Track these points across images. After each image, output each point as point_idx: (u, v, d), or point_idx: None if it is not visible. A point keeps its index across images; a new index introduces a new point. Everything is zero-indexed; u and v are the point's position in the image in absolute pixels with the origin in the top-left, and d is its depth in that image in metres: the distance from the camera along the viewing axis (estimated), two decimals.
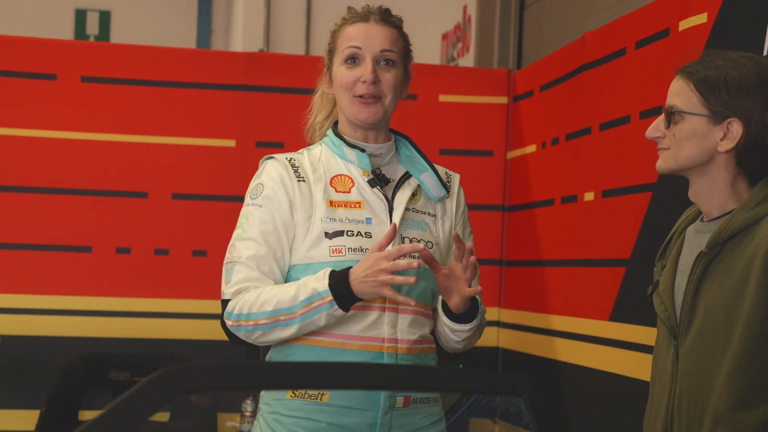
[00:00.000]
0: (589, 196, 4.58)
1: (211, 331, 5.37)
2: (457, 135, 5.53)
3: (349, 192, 2.74)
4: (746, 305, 2.28)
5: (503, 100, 5.54)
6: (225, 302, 2.71)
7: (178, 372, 1.62)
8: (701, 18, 3.78)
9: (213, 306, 5.37)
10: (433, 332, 2.83)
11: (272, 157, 2.79)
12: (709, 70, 2.41)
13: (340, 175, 2.76)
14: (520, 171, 5.36)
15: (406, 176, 2.79)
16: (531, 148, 5.24)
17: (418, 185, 2.79)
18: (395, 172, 2.80)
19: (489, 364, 5.49)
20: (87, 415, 5.19)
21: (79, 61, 5.32)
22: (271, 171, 2.75)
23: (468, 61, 7.26)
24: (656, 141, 2.50)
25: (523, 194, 5.32)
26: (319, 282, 2.61)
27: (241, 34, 8.01)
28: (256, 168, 5.46)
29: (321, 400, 2.65)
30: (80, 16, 8.93)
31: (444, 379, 1.90)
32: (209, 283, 5.36)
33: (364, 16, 2.77)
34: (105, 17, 8.96)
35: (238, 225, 2.76)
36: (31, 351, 5.14)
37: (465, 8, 7.43)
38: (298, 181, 2.72)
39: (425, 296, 2.76)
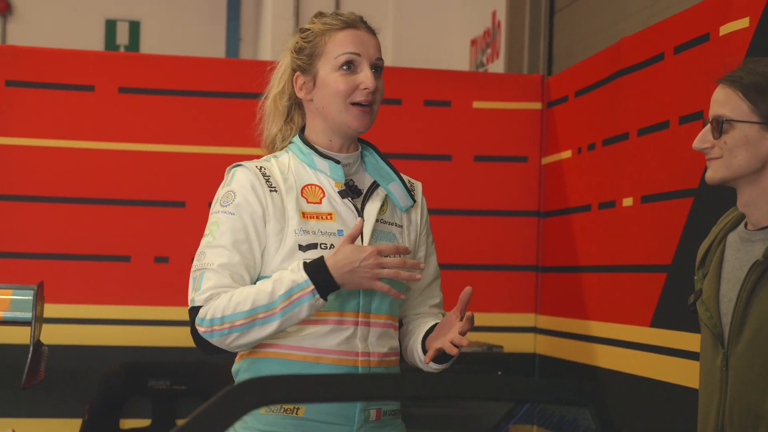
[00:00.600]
0: (627, 201, 4.58)
1: None
2: (491, 141, 5.54)
3: (320, 203, 2.66)
4: None
5: (537, 105, 5.54)
6: (194, 310, 2.61)
7: (254, 384, 1.64)
8: (743, 22, 3.78)
9: None
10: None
11: (241, 165, 2.71)
12: (754, 76, 2.41)
13: (311, 185, 2.68)
14: (556, 177, 5.37)
15: (374, 186, 2.72)
16: (566, 154, 5.24)
17: (386, 195, 2.73)
18: (363, 182, 2.73)
19: (526, 371, 5.49)
20: (128, 423, 5.22)
21: (117, 72, 5.35)
22: (242, 179, 2.67)
23: (497, 66, 7.27)
24: (704, 152, 2.48)
25: (559, 200, 5.33)
26: (296, 273, 2.53)
27: (270, 42, 8.04)
28: None
29: (297, 414, 2.58)
30: (110, 26, 8.98)
31: (512, 389, 1.90)
32: None
33: (353, 23, 2.69)
34: (135, 27, 9.01)
35: (206, 232, 2.66)
36: (73, 360, 5.17)
37: (494, 14, 7.44)
38: (270, 191, 2.63)
39: (393, 308, 2.72)
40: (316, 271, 2.52)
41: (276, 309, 2.52)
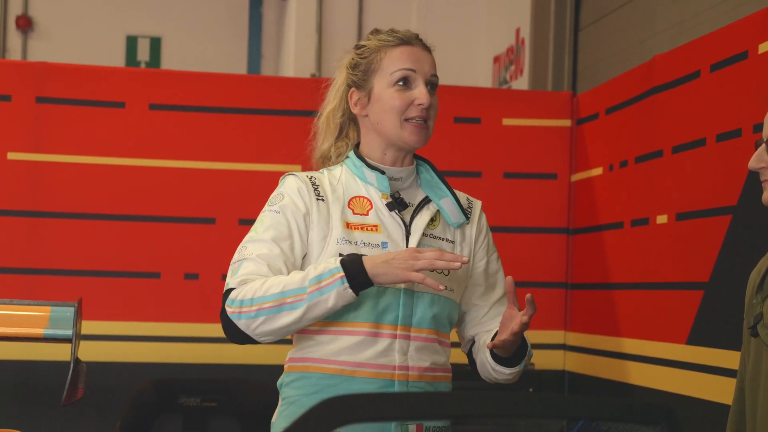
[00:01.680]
0: (662, 218, 4.57)
1: (282, 355, 5.38)
2: (520, 158, 5.54)
3: (367, 215, 2.68)
4: None
5: (566, 123, 5.54)
6: (227, 292, 2.64)
7: (334, 404, 1.64)
8: None
9: None
10: (472, 362, 2.82)
11: (293, 173, 2.75)
12: None
13: (359, 196, 2.71)
14: (586, 194, 5.36)
15: (426, 201, 2.74)
16: (597, 171, 5.24)
17: (438, 211, 2.74)
18: (415, 197, 2.75)
19: (555, 387, 5.49)
20: None
21: (147, 88, 5.36)
22: (292, 184, 2.71)
23: (522, 83, 7.28)
24: (759, 172, 2.47)
25: (589, 217, 5.32)
26: (330, 262, 2.54)
27: (293, 59, 8.05)
28: None
29: None
30: (131, 42, 9.00)
31: (585, 408, 1.90)
32: None
33: (408, 39, 2.73)
34: (156, 44, 9.02)
35: (251, 229, 2.69)
36: (104, 376, 5.16)
37: (518, 31, 7.45)
38: (317, 199, 2.67)
39: (439, 322, 2.70)
40: (350, 260, 2.52)
41: (305, 294, 2.51)
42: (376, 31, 2.79)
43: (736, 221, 4.05)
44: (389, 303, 2.63)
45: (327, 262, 2.53)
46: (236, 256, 2.67)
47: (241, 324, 2.58)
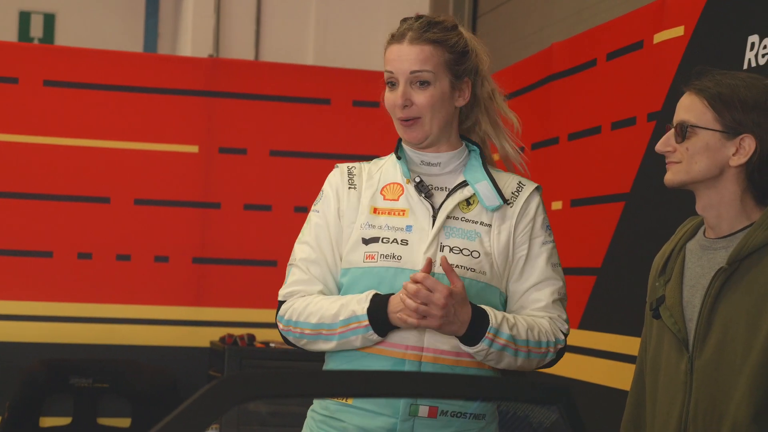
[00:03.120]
0: (557, 205, 4.63)
1: (173, 337, 5.36)
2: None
3: (397, 200, 2.74)
4: None
5: None
6: (279, 304, 2.79)
7: (234, 381, 1.63)
8: (678, 31, 3.84)
9: (175, 312, 5.36)
10: None
11: (337, 166, 2.84)
12: (721, 87, 2.48)
13: (393, 183, 2.77)
14: None
15: (462, 185, 2.75)
16: (494, 158, 5.27)
17: (474, 194, 2.75)
18: (453, 181, 2.77)
19: None
20: (48, 421, 5.15)
21: (42, 64, 5.28)
22: (331, 178, 2.83)
23: None
24: (665, 155, 2.54)
25: None
26: (360, 305, 2.64)
27: (190, 39, 7.96)
28: (219, 174, 5.49)
29: (346, 401, 2.68)
30: (24, 18, 8.82)
31: (482, 389, 1.92)
32: (171, 289, 5.35)
33: (400, 36, 2.72)
34: (49, 20, 8.86)
35: (302, 228, 2.83)
36: None
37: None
38: (349, 188, 2.78)
39: None
40: (376, 309, 2.63)
41: (335, 331, 2.67)
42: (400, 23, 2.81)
43: (628, 208, 4.12)
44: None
45: (358, 304, 2.65)
46: (291, 256, 2.82)
47: (290, 339, 2.77)
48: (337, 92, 5.73)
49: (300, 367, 3.96)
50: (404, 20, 2.78)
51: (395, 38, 2.73)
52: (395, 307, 2.60)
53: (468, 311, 2.59)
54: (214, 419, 1.65)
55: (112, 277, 5.32)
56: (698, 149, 2.48)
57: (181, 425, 1.62)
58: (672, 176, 2.53)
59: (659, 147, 2.53)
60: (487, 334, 2.61)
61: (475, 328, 2.61)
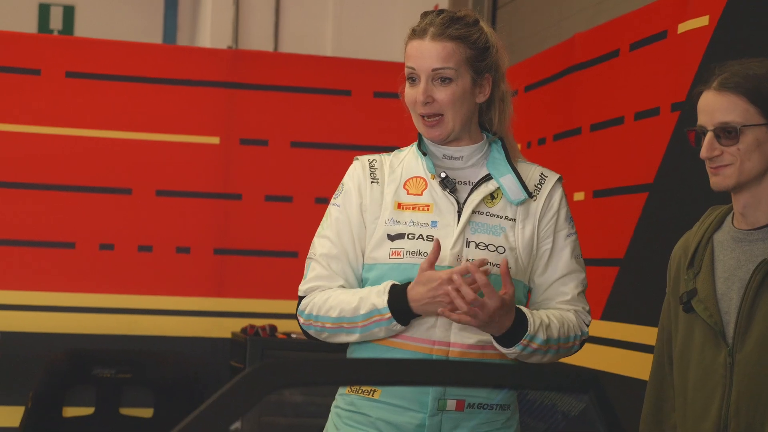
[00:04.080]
0: (579, 196, 4.62)
1: (195, 328, 5.37)
2: None
3: (421, 194, 2.72)
4: None
5: None
6: (300, 299, 2.77)
7: (269, 368, 1.63)
8: (702, 20, 3.83)
9: (196, 303, 5.37)
10: None
11: (357, 158, 2.81)
12: (751, 80, 2.43)
13: (416, 177, 2.74)
14: None
15: (486, 178, 2.73)
16: (518, 147, 5.27)
17: (498, 188, 2.73)
18: (477, 175, 2.75)
19: None
20: (71, 411, 5.17)
21: (64, 56, 5.29)
22: (352, 172, 2.79)
23: None
24: (710, 161, 2.49)
25: None
26: (380, 297, 2.62)
27: (209, 31, 7.97)
28: (240, 165, 5.50)
29: (373, 396, 2.67)
30: (44, 10, 8.84)
31: (512, 377, 1.92)
32: (192, 280, 5.36)
33: (422, 31, 2.69)
34: (69, 12, 8.87)
35: (323, 219, 2.81)
36: (17, 347, 5.10)
37: (436, 6, 7.45)
38: (372, 182, 2.74)
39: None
40: (398, 297, 2.61)
41: (357, 325, 2.66)
42: (420, 17, 2.77)
43: (652, 199, 4.10)
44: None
45: (378, 297, 2.63)
46: (309, 251, 2.80)
47: (312, 333, 2.76)
48: (358, 83, 5.73)
49: (326, 357, 3.97)
50: (425, 14, 2.75)
51: (417, 33, 2.70)
52: (418, 295, 2.58)
53: (511, 317, 2.59)
54: (250, 408, 1.65)
55: (133, 268, 5.33)
56: (751, 147, 2.43)
57: (216, 414, 1.62)
58: (724, 180, 2.46)
59: (705, 154, 2.46)
60: (522, 341, 2.62)
61: (513, 331, 2.61)
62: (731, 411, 2.44)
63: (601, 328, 4.37)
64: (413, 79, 2.70)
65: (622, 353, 4.25)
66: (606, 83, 4.49)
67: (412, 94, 2.69)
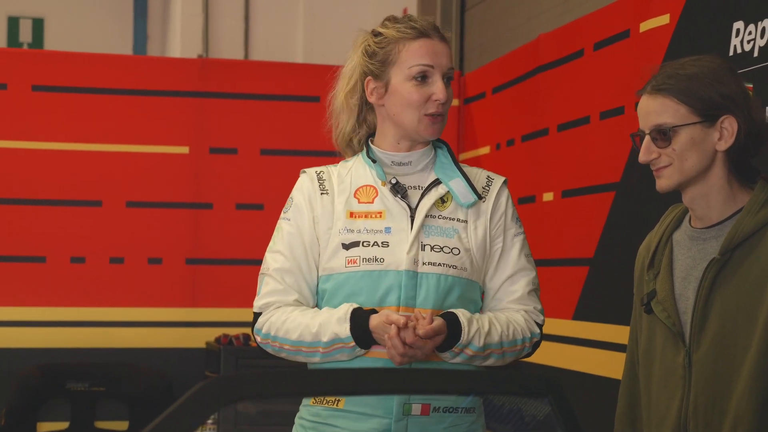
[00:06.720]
0: (548, 196, 4.63)
1: (169, 338, 5.36)
2: None
3: (372, 202, 2.73)
4: (766, 308, 2.33)
5: (454, 102, 5.57)
6: (255, 316, 2.76)
7: (222, 382, 1.63)
8: (663, 19, 3.84)
9: (169, 314, 5.36)
10: None
11: (304, 171, 2.82)
12: (681, 80, 2.46)
13: (366, 185, 2.76)
14: None
15: (435, 183, 2.76)
16: (484, 150, 5.28)
17: (448, 191, 2.75)
18: (425, 180, 2.77)
19: None
20: (45, 426, 5.15)
21: (31, 69, 5.27)
22: (300, 185, 2.80)
23: None
24: (651, 164, 2.51)
25: None
26: (341, 326, 2.63)
27: (179, 40, 7.97)
28: (210, 174, 5.49)
29: (337, 406, 2.67)
30: (13, 23, 8.82)
31: (465, 381, 1.91)
32: (165, 290, 5.35)
33: (426, 32, 2.70)
34: (38, 24, 8.86)
35: (274, 234, 2.80)
36: None
37: (405, 11, 7.46)
38: (321, 194, 2.75)
39: (448, 301, 2.71)
40: (358, 327, 2.63)
41: (318, 349, 2.67)
42: (394, 20, 2.78)
43: (619, 197, 4.11)
44: (391, 285, 2.68)
45: (338, 325, 2.64)
46: (262, 267, 2.80)
47: (270, 351, 2.76)
48: (327, 89, 5.71)
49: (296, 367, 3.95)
50: (408, 17, 2.76)
51: (422, 33, 2.70)
52: (378, 328, 2.59)
53: (443, 336, 2.61)
54: (203, 421, 1.65)
55: (105, 280, 5.32)
56: (686, 146, 2.44)
57: (169, 428, 1.62)
58: (666, 181, 2.48)
59: (643, 158, 2.49)
60: (453, 348, 2.63)
61: (448, 340, 2.63)
62: (690, 411, 2.45)
63: (573, 328, 4.38)
64: (423, 77, 2.69)
65: (594, 353, 4.26)
66: (571, 83, 4.50)
67: (423, 92, 2.68)
